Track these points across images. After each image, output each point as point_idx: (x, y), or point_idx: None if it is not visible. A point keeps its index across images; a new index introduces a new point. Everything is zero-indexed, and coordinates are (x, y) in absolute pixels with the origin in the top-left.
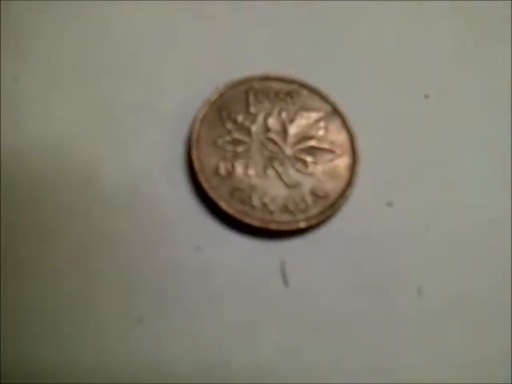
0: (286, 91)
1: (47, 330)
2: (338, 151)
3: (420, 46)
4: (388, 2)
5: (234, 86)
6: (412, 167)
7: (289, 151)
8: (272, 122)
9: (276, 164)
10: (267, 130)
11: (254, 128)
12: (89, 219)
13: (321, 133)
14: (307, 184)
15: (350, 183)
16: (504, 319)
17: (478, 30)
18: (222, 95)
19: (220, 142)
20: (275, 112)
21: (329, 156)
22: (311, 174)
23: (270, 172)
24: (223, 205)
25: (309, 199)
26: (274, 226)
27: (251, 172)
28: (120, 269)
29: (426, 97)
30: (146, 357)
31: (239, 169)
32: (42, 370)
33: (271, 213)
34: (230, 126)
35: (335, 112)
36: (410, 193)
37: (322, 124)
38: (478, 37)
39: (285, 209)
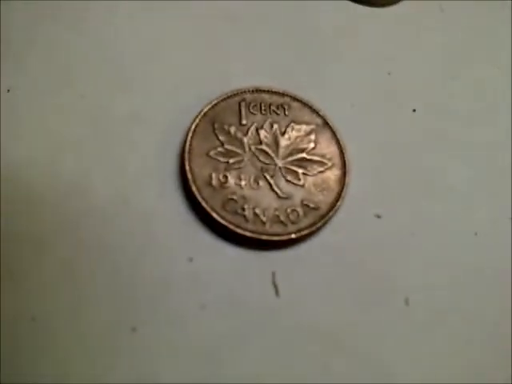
0: (278, 104)
1: (40, 340)
2: (328, 163)
3: (408, 61)
4: (378, 18)
5: (226, 98)
6: (400, 180)
7: (280, 163)
8: (264, 133)
9: (268, 175)
10: (259, 141)
11: (246, 140)
12: (81, 230)
13: (311, 145)
14: (298, 195)
15: (340, 195)
16: (491, 329)
17: (465, 46)
18: (214, 107)
19: (212, 153)
20: (267, 124)
21: (319, 168)
22: (302, 186)
23: (262, 183)
24: (215, 216)
25: (300, 210)
26: (265, 237)
27: (243, 183)
28: (113, 279)
29: (414, 111)
30: (140, 366)
31: (231, 180)
32: (34, 380)
33: (263, 224)
34: (222, 137)
35: (326, 125)
36: (398, 205)
37: (312, 136)
38: (465, 53)
39: (276, 220)
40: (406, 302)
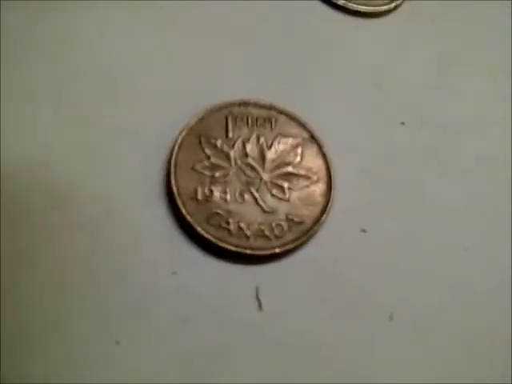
0: (265, 117)
1: (25, 353)
2: (314, 178)
3: (396, 74)
4: (366, 30)
5: (213, 111)
6: (387, 194)
7: (266, 177)
8: (250, 147)
9: (253, 189)
10: (245, 155)
11: (233, 153)
12: (66, 242)
13: (298, 159)
14: (283, 210)
15: (325, 210)
16: (475, 345)
17: (455, 57)
18: (201, 120)
19: (198, 166)
20: (253, 137)
21: (305, 182)
22: (287, 200)
23: (247, 197)
24: (200, 230)
25: (284, 225)
26: (249, 252)
27: (228, 197)
28: (97, 292)
29: (402, 124)
30: (123, 379)
31: (217, 193)
32: None
33: (247, 238)
34: (208, 151)
35: (312, 139)
36: (383, 220)
37: (299, 150)
38: (455, 64)
39: (261, 234)
40: (391, 317)
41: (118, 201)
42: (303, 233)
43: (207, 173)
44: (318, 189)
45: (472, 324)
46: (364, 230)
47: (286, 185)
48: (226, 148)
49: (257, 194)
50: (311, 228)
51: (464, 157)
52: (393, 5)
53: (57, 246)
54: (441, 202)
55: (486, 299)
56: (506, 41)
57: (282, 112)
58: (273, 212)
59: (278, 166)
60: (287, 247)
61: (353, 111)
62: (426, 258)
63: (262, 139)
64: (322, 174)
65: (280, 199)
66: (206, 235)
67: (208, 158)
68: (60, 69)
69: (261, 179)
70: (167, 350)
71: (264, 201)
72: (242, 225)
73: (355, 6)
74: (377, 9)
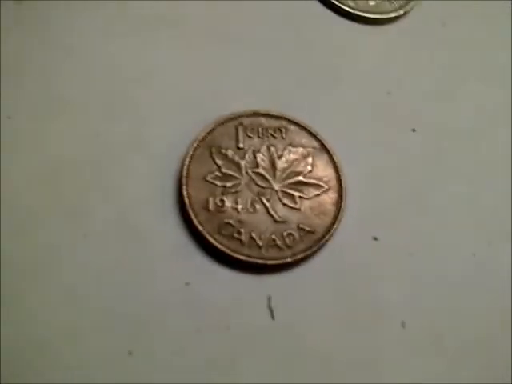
0: (275, 127)
1: (39, 364)
2: (325, 186)
3: (406, 81)
4: (376, 37)
5: (223, 122)
6: (398, 201)
7: (277, 186)
8: (261, 157)
9: (264, 199)
10: (256, 165)
11: (244, 163)
12: (79, 254)
13: (308, 168)
14: (295, 219)
15: (336, 219)
16: (487, 353)
17: (466, 63)
18: (212, 131)
19: (210, 177)
20: (264, 147)
21: (316, 191)
22: (299, 209)
23: (259, 207)
24: (211, 240)
25: (296, 234)
26: (261, 262)
27: (240, 207)
28: (111, 303)
29: (413, 131)
30: None
31: (228, 204)
32: None
33: (259, 248)
34: (219, 161)
35: (323, 148)
36: (395, 227)
37: (309, 160)
38: (466, 71)
39: (272, 244)
40: (403, 325)
41: (131, 212)
42: (315, 242)
43: (218, 183)
44: (329, 198)
45: (484, 330)
46: (376, 238)
47: (297, 194)
48: (236, 158)
49: (268, 204)
50: (322, 237)
51: (475, 164)
52: (402, 11)
53: (68, 258)
54: (450, 209)
55: (495, 305)
56: None
57: (292, 122)
58: (284, 221)
59: (288, 176)
60: (298, 257)
61: (364, 119)
62: (437, 265)
63: (272, 149)
64: (333, 182)
65: (291, 208)
66: (218, 245)
67: (219, 168)
68: (71, 83)
69: (272, 189)
70: (180, 360)
71: (275, 210)
72: (254, 235)
73: (364, 13)
74: (385, 16)
